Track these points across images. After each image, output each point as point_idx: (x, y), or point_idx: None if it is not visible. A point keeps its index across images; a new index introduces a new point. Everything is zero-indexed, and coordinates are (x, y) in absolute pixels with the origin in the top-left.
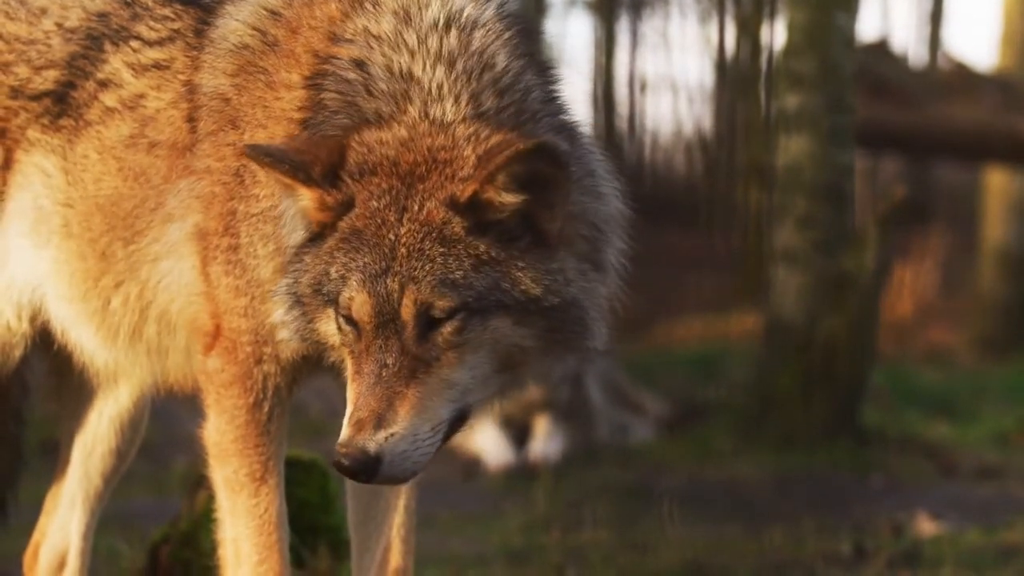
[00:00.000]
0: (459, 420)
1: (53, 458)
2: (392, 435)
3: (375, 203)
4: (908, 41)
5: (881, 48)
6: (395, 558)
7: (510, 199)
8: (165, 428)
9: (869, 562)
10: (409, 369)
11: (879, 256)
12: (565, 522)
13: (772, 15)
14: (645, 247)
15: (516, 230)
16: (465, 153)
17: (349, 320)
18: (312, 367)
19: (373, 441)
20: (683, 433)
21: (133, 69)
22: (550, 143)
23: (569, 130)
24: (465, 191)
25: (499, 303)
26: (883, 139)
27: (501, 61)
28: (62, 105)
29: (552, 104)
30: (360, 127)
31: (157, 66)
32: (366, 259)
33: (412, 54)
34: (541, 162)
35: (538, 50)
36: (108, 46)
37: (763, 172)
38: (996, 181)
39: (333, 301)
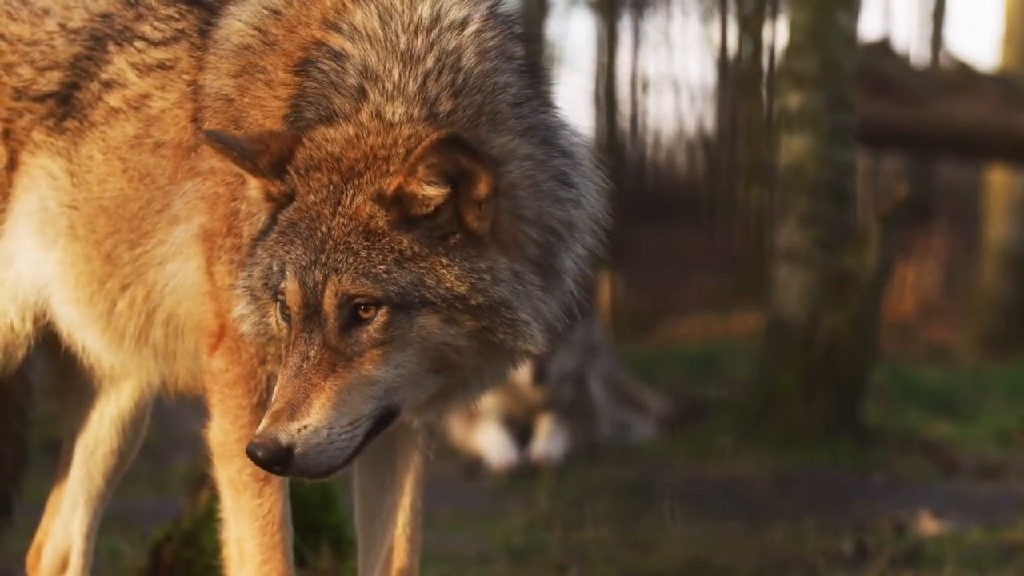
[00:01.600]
0: (386, 418)
1: (55, 457)
2: (305, 427)
3: (312, 197)
4: (910, 40)
5: (883, 47)
6: (400, 556)
7: (432, 192)
8: (167, 428)
9: (870, 561)
10: (329, 363)
11: (881, 254)
12: (567, 520)
13: (774, 14)
14: (647, 246)
15: (446, 227)
16: (400, 151)
17: (284, 313)
18: None
19: (285, 432)
20: (685, 431)
21: (137, 69)
22: (461, 135)
23: (542, 131)
24: (390, 185)
25: (424, 300)
26: (885, 138)
27: (468, 63)
28: (66, 107)
29: (527, 105)
30: (317, 124)
31: (162, 66)
32: (299, 251)
33: (380, 52)
34: (455, 153)
35: (528, 52)
36: (112, 47)
37: (765, 171)
38: (998, 179)
39: (276, 294)
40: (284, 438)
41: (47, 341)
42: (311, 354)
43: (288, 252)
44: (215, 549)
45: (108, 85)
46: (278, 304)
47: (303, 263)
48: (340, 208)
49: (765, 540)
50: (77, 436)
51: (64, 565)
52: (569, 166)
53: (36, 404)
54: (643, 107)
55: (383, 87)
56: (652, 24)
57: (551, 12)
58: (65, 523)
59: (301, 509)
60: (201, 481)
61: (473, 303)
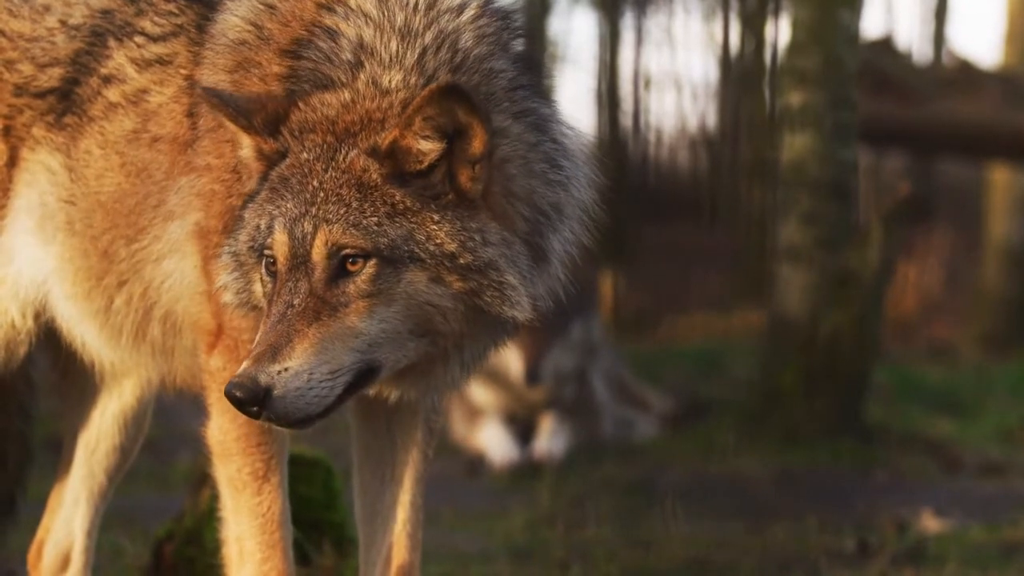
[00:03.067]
0: (367, 375)
1: (57, 454)
2: (286, 369)
3: (306, 155)
4: (912, 38)
5: (885, 45)
6: (401, 553)
7: (427, 147)
8: (169, 425)
9: (873, 559)
10: (314, 311)
11: (883, 253)
12: (569, 519)
13: (776, 12)
14: (649, 244)
15: (438, 186)
16: (396, 111)
17: (269, 269)
18: None
19: (265, 373)
20: (687, 430)
21: (136, 64)
22: (461, 86)
23: (535, 118)
24: (386, 139)
25: (413, 256)
26: (887, 136)
27: (466, 44)
28: (66, 102)
29: (521, 91)
30: (313, 91)
31: (160, 61)
32: (289, 204)
33: (377, 28)
34: (453, 104)
35: (525, 45)
36: (112, 42)
37: (767, 169)
38: (1000, 178)
39: (263, 253)
40: (263, 378)
41: (49, 338)
42: (296, 302)
43: (278, 207)
44: (217, 547)
45: (107, 80)
46: (264, 261)
47: (293, 215)
48: (333, 163)
49: (767, 538)
50: (79, 433)
51: (65, 562)
52: (560, 154)
53: (39, 401)
54: (645, 105)
55: (380, 58)
56: (654, 22)
57: (553, 10)
58: (66, 520)
59: (303, 507)
60: (203, 479)
61: (462, 262)
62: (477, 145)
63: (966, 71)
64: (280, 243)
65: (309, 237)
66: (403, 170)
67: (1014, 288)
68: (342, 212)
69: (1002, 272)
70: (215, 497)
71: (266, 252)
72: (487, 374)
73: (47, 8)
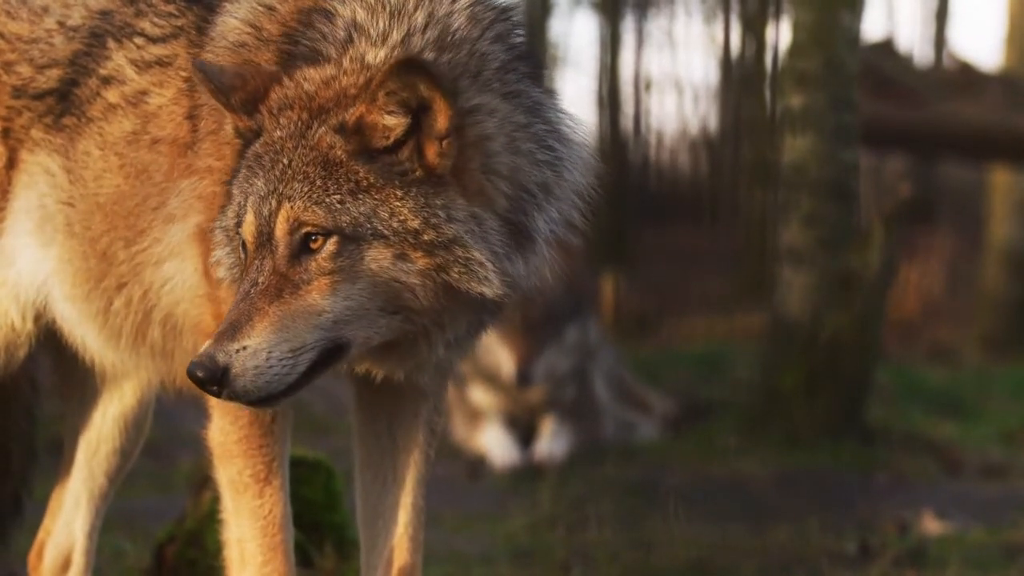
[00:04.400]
0: (334, 352)
1: (59, 456)
2: (244, 348)
3: (279, 132)
4: (913, 40)
5: (886, 47)
6: (402, 555)
7: (392, 121)
8: (170, 427)
9: (874, 560)
10: (276, 288)
11: (884, 254)
12: (570, 521)
13: (777, 14)
14: (650, 246)
15: (406, 163)
16: (364, 87)
17: (243, 247)
18: None
19: (223, 352)
20: (688, 431)
21: (136, 65)
22: (420, 60)
23: (527, 101)
24: (352, 115)
25: (377, 233)
26: (888, 138)
27: (458, 25)
28: (65, 104)
29: (513, 75)
30: (299, 66)
31: (160, 62)
32: (260, 182)
33: (371, 8)
34: (413, 78)
35: (522, 37)
36: (111, 43)
37: (768, 171)
38: (1001, 180)
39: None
40: (221, 358)
41: (49, 340)
42: (260, 280)
43: (251, 185)
44: (218, 549)
45: (107, 81)
46: (240, 240)
47: (261, 194)
48: (303, 141)
49: (769, 540)
50: (80, 435)
51: (66, 564)
52: (553, 136)
53: (43, 402)
54: (646, 107)
55: (368, 35)
56: (655, 24)
57: (554, 12)
58: (67, 522)
59: (305, 509)
60: (204, 481)
61: (425, 238)
62: (442, 120)
63: (967, 73)
64: (248, 222)
65: (273, 214)
66: (370, 146)
67: (1015, 290)
68: (305, 190)
69: (1003, 274)
70: (216, 499)
71: (239, 231)
72: (486, 376)
73: (45, 9)
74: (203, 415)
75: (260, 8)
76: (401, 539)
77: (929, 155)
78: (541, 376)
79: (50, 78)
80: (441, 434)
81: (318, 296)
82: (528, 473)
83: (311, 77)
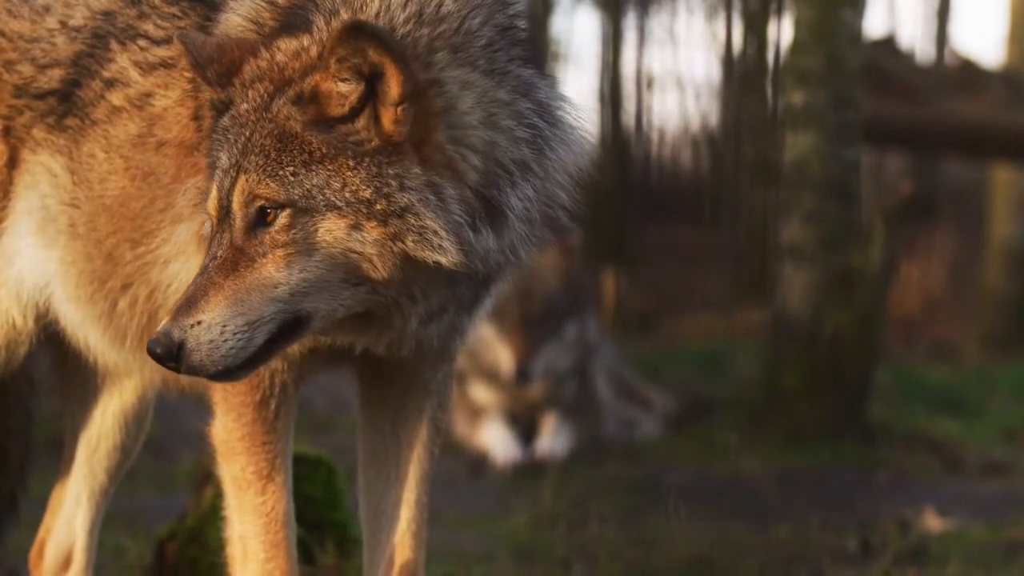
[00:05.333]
0: (294, 325)
1: (59, 453)
2: (199, 323)
3: (245, 105)
4: (915, 37)
5: (888, 44)
6: (405, 552)
7: (346, 88)
8: (171, 424)
9: (875, 558)
10: (232, 262)
11: (885, 252)
12: (571, 518)
13: (779, 11)
14: (652, 244)
15: (363, 132)
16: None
17: (210, 222)
18: (319, 362)
19: (179, 328)
20: (689, 429)
21: (140, 68)
22: (366, 24)
23: (514, 80)
24: (308, 84)
25: (330, 204)
26: (889, 135)
27: (444, 2)
28: (67, 104)
29: (502, 54)
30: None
31: (164, 64)
32: (224, 156)
33: None
34: (362, 43)
35: (519, 23)
36: (114, 44)
37: (769, 168)
38: (1003, 177)
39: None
40: (177, 333)
41: (50, 338)
42: (219, 254)
43: (217, 159)
44: (219, 546)
45: (111, 83)
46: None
47: (224, 167)
48: (266, 114)
49: (770, 538)
50: (80, 433)
51: (67, 562)
52: (540, 116)
53: (40, 401)
54: (648, 104)
55: (352, 5)
56: (657, 21)
57: (556, 9)
58: (68, 520)
59: (306, 507)
60: (205, 478)
61: (378, 208)
62: (395, 86)
63: (969, 71)
64: (212, 197)
65: (230, 189)
66: (327, 115)
67: (1017, 288)
68: (261, 163)
69: (1005, 272)
70: (218, 496)
71: (206, 207)
72: (486, 373)
73: (47, 9)
74: (204, 412)
75: (262, 4)
76: (404, 536)
77: (930, 153)
78: (540, 373)
79: (52, 78)
80: (444, 430)
81: (273, 269)
82: (529, 470)
83: (284, 48)
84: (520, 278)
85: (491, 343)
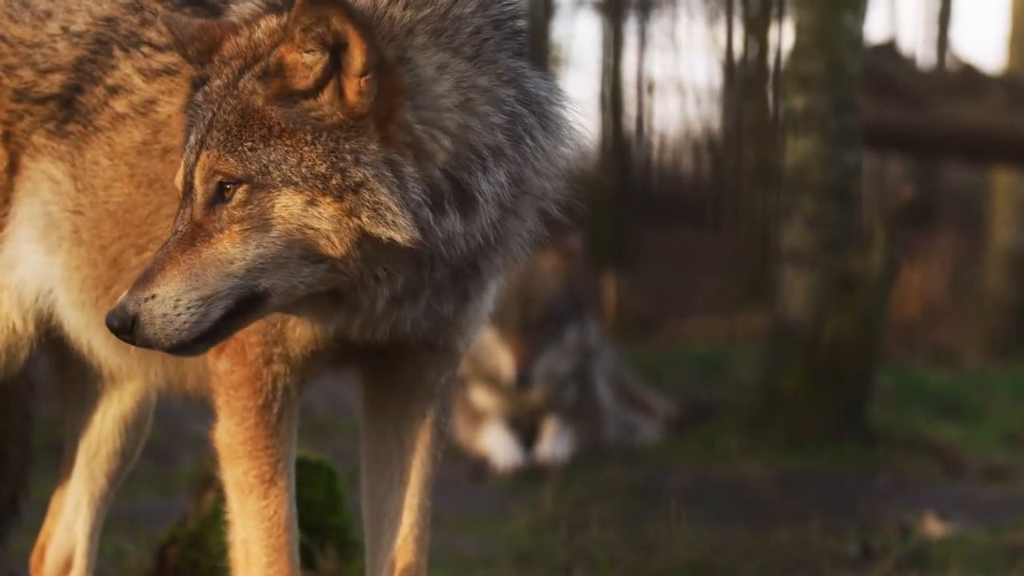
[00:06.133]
0: (253, 302)
1: (59, 458)
2: (153, 296)
3: (218, 82)
4: (916, 42)
5: (888, 49)
6: (407, 555)
7: (310, 59)
8: (171, 428)
9: (876, 562)
10: (190, 237)
11: (886, 256)
12: (572, 522)
13: (780, 16)
14: (652, 248)
15: (326, 105)
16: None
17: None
18: (321, 365)
19: (134, 300)
20: (690, 433)
21: (144, 74)
22: None
23: (500, 69)
24: (273, 57)
25: (286, 179)
26: (890, 140)
27: None
28: (68, 110)
29: (490, 43)
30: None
31: (167, 71)
32: (192, 133)
33: None
34: (324, 10)
35: (516, 19)
36: (117, 51)
37: (770, 172)
38: (1003, 182)
39: None
40: (132, 307)
41: (50, 342)
42: (180, 229)
43: (188, 135)
44: (221, 550)
45: (114, 90)
46: None
47: (191, 144)
48: (234, 90)
49: (770, 542)
50: (80, 437)
51: (68, 566)
52: (523, 103)
53: (40, 404)
54: (648, 109)
55: None
56: (658, 26)
57: (557, 13)
58: (68, 524)
59: (307, 511)
60: (206, 482)
61: (333, 183)
62: (358, 55)
63: (969, 75)
64: (179, 173)
65: (193, 165)
66: (292, 88)
67: (1017, 292)
68: (222, 138)
69: (1005, 276)
70: (219, 500)
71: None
72: (487, 378)
73: (49, 14)
74: (205, 416)
75: (262, 5)
76: (406, 540)
77: (931, 157)
78: (541, 377)
79: (53, 83)
80: (447, 434)
81: (229, 244)
82: (530, 475)
83: (264, 26)
84: (521, 281)
85: (492, 347)
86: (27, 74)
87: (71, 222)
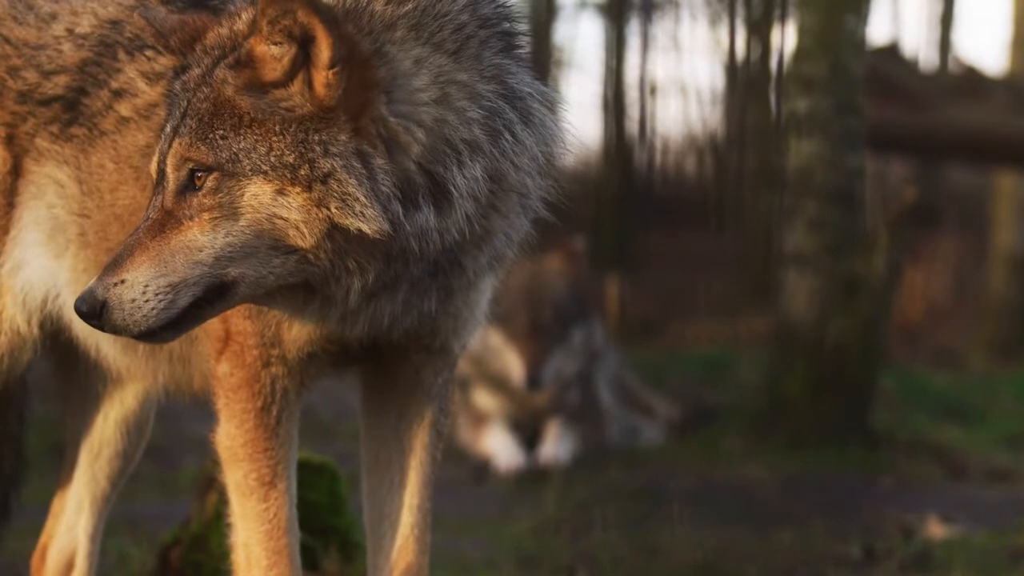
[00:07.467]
0: (221, 291)
1: (60, 459)
2: (122, 282)
3: (196, 71)
4: (918, 44)
5: (891, 51)
6: (408, 556)
7: (278, 51)
8: (174, 430)
9: (879, 565)
10: (161, 224)
11: (889, 259)
12: (575, 524)
13: (782, 18)
14: (655, 250)
15: (296, 96)
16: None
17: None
18: (320, 368)
19: (103, 286)
20: (693, 435)
21: (147, 78)
22: None
23: (483, 66)
24: (244, 49)
25: (256, 168)
26: (893, 142)
27: None
28: (72, 112)
29: (474, 40)
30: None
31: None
32: (168, 121)
33: None
34: (292, 2)
35: (501, 14)
36: (122, 55)
37: (773, 175)
38: (1006, 184)
39: None
40: (100, 292)
41: (52, 344)
42: (151, 216)
43: (164, 125)
44: (223, 552)
45: (119, 94)
46: None
47: (166, 132)
48: (209, 79)
49: (773, 544)
50: (81, 439)
51: (69, 567)
52: (505, 99)
53: (34, 406)
54: (651, 111)
55: None
56: (660, 28)
57: (559, 15)
58: (70, 526)
59: (309, 513)
60: (209, 484)
61: (302, 173)
62: (324, 48)
63: (972, 77)
64: (153, 161)
65: (166, 152)
66: (262, 80)
67: (1020, 294)
68: (194, 126)
69: (1008, 278)
70: (221, 502)
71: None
72: (493, 380)
73: (53, 16)
74: (207, 418)
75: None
76: (407, 540)
77: (934, 159)
78: (550, 379)
79: (57, 84)
80: (446, 437)
81: (198, 232)
82: (533, 477)
83: (245, 17)
84: (527, 283)
85: (499, 350)
86: (31, 76)
87: (78, 225)
